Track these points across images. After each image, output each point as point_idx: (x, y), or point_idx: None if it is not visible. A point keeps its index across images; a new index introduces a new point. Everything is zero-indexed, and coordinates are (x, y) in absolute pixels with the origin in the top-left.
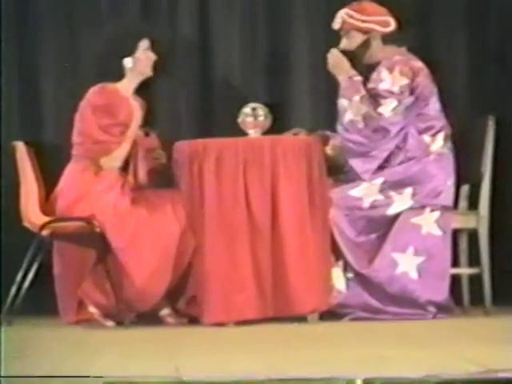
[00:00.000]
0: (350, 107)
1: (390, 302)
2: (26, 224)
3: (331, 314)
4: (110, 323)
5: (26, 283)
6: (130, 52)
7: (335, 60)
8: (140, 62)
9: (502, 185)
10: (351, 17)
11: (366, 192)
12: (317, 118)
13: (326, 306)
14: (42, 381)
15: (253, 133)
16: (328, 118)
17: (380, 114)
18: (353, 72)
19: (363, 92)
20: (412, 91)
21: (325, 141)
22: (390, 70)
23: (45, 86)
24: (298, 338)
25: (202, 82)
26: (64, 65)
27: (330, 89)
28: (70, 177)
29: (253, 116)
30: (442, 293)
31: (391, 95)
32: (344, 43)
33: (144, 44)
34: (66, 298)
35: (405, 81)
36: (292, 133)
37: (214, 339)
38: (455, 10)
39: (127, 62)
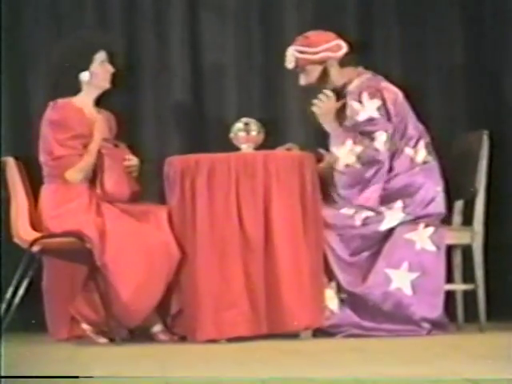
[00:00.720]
0: (345, 153)
1: (384, 319)
2: (16, 240)
3: (324, 332)
4: (102, 340)
5: (17, 299)
6: (87, 65)
7: (327, 109)
8: (96, 76)
9: (496, 201)
10: (302, 52)
11: (356, 209)
12: (310, 134)
13: (319, 323)
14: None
15: (245, 148)
16: (321, 133)
17: (376, 150)
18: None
19: (354, 135)
20: (388, 112)
21: (319, 159)
22: (359, 99)
23: (34, 100)
24: (291, 355)
25: (193, 97)
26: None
27: None
28: (45, 199)
29: (245, 131)
30: (436, 309)
31: (376, 124)
32: (303, 79)
33: (100, 56)
34: (57, 315)
35: (377, 102)
36: (285, 148)
37: (205, 356)
38: (448, 18)
39: (84, 75)
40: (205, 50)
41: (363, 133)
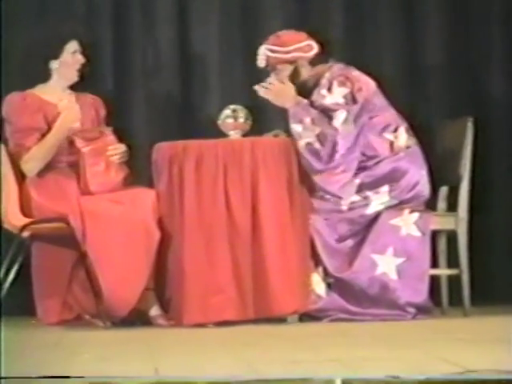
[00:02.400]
0: (304, 130)
1: (369, 304)
2: (5, 225)
3: (311, 317)
4: (107, 323)
5: (6, 284)
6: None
7: (277, 90)
8: (66, 65)
9: (480, 186)
10: (273, 51)
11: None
12: None
13: (306, 308)
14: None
15: (233, 134)
16: None
17: (336, 129)
18: (298, 97)
19: (313, 113)
20: (354, 99)
21: None
22: (329, 87)
23: None
24: (277, 339)
25: (181, 84)
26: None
27: None
28: (30, 183)
29: (233, 118)
30: (421, 294)
31: (339, 107)
32: (274, 78)
33: (72, 46)
34: (47, 299)
35: (345, 90)
36: (272, 134)
37: (193, 340)
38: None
39: (53, 63)
40: (192, 38)
41: (324, 112)
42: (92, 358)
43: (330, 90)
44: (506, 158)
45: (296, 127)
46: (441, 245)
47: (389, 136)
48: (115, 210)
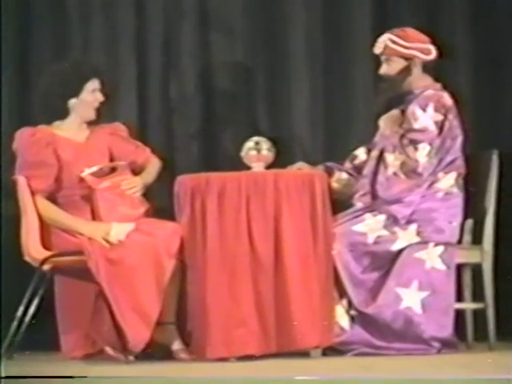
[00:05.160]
0: (395, 160)
1: (394, 338)
2: (26, 258)
3: (334, 351)
4: (130, 358)
5: (27, 318)
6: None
7: (393, 119)
8: (83, 104)
9: (505, 219)
10: (394, 42)
11: (370, 227)
12: (319, 151)
13: (330, 341)
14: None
15: (256, 166)
16: (330, 150)
17: (417, 161)
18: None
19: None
20: (441, 130)
21: (329, 173)
22: (424, 107)
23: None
24: (301, 374)
25: (204, 116)
26: None
27: (330, 122)
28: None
29: (256, 150)
30: (446, 328)
31: (425, 136)
32: (384, 68)
33: (92, 85)
34: (70, 332)
35: (439, 117)
36: (295, 167)
37: (215, 374)
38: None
39: (72, 103)
40: (216, 69)
41: (410, 141)
42: None
43: (424, 111)
44: None
45: (388, 156)
46: (466, 278)
47: (440, 175)
48: (126, 241)
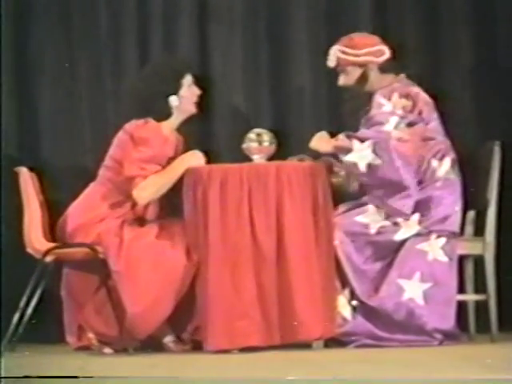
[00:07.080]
0: (358, 158)
1: (396, 329)
2: (29, 250)
3: (336, 342)
4: (107, 350)
5: (29, 310)
6: (175, 90)
7: (320, 140)
8: (185, 100)
9: (508, 210)
10: (344, 53)
11: (372, 218)
12: None
13: (332, 333)
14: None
15: (257, 158)
16: None
17: (388, 133)
18: (334, 140)
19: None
20: (411, 112)
21: (329, 167)
22: (388, 96)
23: (45, 111)
24: (303, 365)
25: (205, 108)
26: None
27: (333, 114)
28: (84, 198)
29: (257, 141)
30: (448, 320)
31: (392, 116)
32: (342, 80)
33: (188, 80)
34: (69, 322)
35: (406, 102)
36: (297, 159)
37: (217, 366)
38: (461, 35)
39: (173, 100)
40: (214, 60)
41: (375, 123)
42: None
43: (389, 100)
44: None
45: (348, 158)
46: (468, 270)
47: (434, 163)
48: (145, 238)
